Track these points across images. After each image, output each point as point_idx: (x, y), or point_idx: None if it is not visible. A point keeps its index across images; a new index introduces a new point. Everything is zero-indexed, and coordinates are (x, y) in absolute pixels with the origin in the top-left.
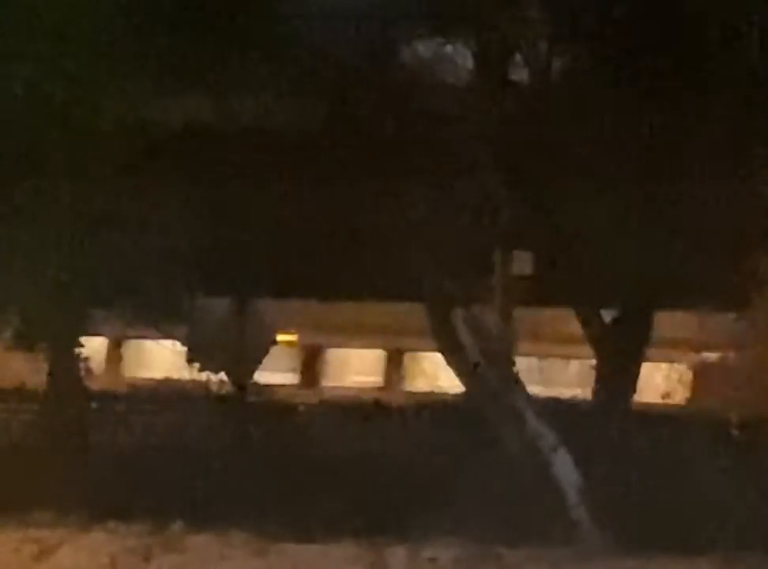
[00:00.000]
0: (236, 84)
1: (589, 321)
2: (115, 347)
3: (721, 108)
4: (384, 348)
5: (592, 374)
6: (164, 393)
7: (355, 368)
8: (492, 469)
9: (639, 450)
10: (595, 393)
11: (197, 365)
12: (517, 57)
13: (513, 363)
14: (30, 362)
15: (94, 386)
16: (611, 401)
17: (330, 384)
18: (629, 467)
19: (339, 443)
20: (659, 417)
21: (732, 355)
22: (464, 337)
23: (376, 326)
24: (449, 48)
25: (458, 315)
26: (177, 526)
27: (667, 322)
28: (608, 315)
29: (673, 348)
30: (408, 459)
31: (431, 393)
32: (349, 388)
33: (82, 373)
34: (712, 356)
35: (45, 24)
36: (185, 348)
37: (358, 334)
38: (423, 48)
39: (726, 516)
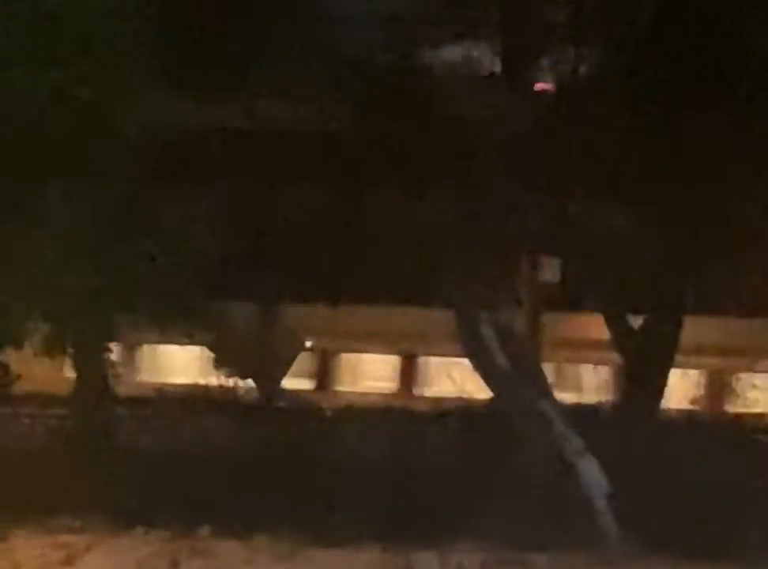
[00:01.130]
0: (262, 89)
1: (616, 327)
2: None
3: (749, 113)
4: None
5: (620, 379)
6: (191, 399)
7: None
8: (519, 474)
9: (665, 455)
10: (622, 398)
11: (224, 371)
12: (543, 61)
13: (541, 369)
14: (57, 367)
15: (120, 391)
16: (639, 406)
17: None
18: (655, 472)
19: (365, 449)
20: (686, 423)
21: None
22: (492, 342)
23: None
24: (476, 52)
25: (486, 322)
26: (203, 531)
27: (695, 328)
28: (635, 321)
29: (701, 353)
30: (434, 465)
31: (458, 398)
32: (370, 393)
33: (108, 378)
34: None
35: (72, 29)
36: (212, 354)
37: (380, 340)
38: (450, 52)
39: (751, 520)
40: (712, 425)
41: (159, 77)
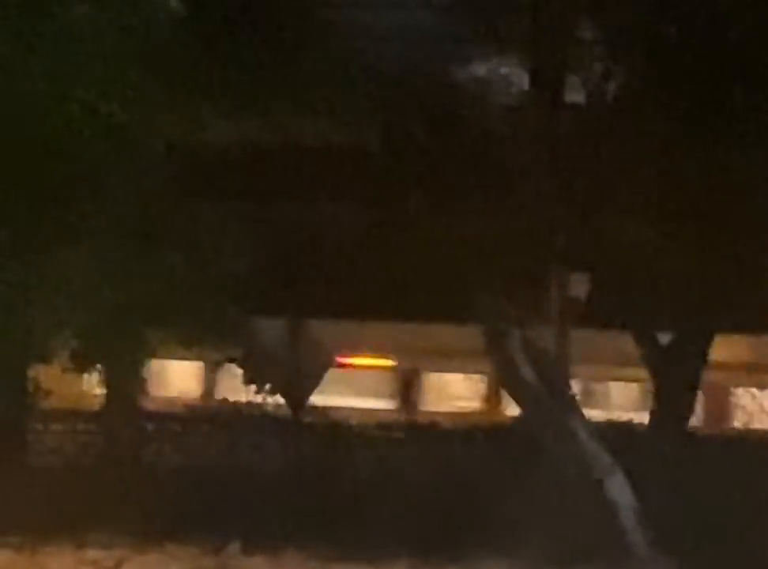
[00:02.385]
0: (291, 105)
1: (645, 344)
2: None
3: None
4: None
5: (649, 397)
6: (220, 414)
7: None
8: (546, 491)
9: (695, 473)
10: (652, 416)
11: (253, 386)
12: (573, 78)
13: (570, 386)
14: (86, 382)
15: (150, 407)
16: (668, 424)
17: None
18: (684, 490)
19: (394, 465)
20: (715, 440)
21: None
22: (520, 359)
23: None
24: (505, 69)
25: (515, 338)
26: (233, 548)
27: (724, 345)
28: (664, 338)
29: (730, 371)
30: (462, 481)
31: (485, 415)
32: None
33: (138, 394)
34: None
35: (102, 46)
36: (241, 370)
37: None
38: (479, 69)
39: None
40: (743, 443)
41: (189, 94)
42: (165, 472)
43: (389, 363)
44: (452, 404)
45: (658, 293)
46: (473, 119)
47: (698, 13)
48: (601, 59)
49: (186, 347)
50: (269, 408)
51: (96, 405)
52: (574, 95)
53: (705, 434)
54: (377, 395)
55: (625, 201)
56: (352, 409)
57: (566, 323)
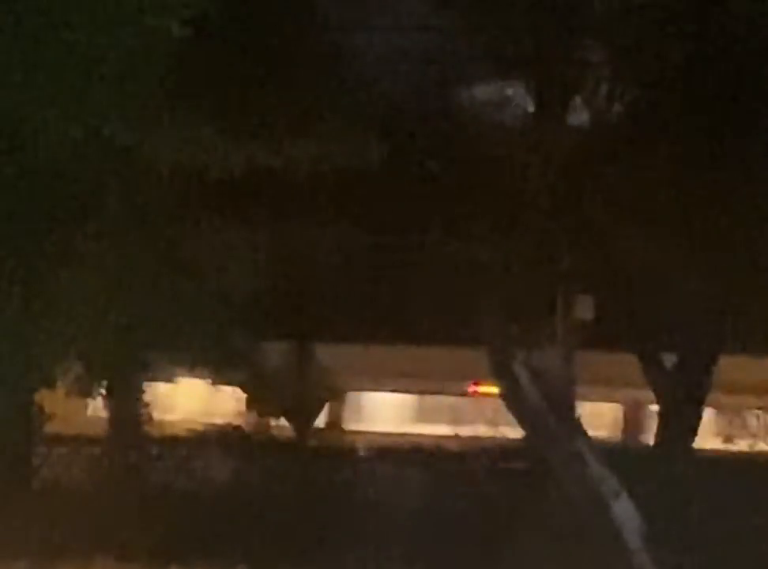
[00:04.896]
0: (294, 126)
1: (650, 365)
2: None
3: None
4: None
5: (655, 418)
6: (225, 438)
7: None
8: (552, 514)
9: (702, 494)
10: (657, 437)
11: (257, 410)
12: (577, 99)
13: (576, 409)
14: (91, 407)
15: (155, 431)
16: (674, 445)
17: None
18: (691, 511)
19: (400, 487)
20: (721, 462)
21: None
22: (525, 381)
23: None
24: (509, 91)
25: (519, 359)
26: None
27: (729, 367)
28: (670, 359)
29: (736, 392)
30: (466, 504)
31: (491, 438)
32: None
33: (143, 418)
34: None
35: (104, 69)
36: (246, 393)
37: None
38: (483, 91)
39: None
40: (750, 463)
41: (193, 117)
42: (170, 496)
43: None
44: None
45: (664, 314)
46: (477, 142)
47: (704, 32)
48: (605, 80)
49: (190, 370)
50: (274, 432)
51: (101, 429)
52: (579, 116)
53: (712, 455)
54: None
55: (631, 222)
56: (357, 433)
57: (572, 345)
